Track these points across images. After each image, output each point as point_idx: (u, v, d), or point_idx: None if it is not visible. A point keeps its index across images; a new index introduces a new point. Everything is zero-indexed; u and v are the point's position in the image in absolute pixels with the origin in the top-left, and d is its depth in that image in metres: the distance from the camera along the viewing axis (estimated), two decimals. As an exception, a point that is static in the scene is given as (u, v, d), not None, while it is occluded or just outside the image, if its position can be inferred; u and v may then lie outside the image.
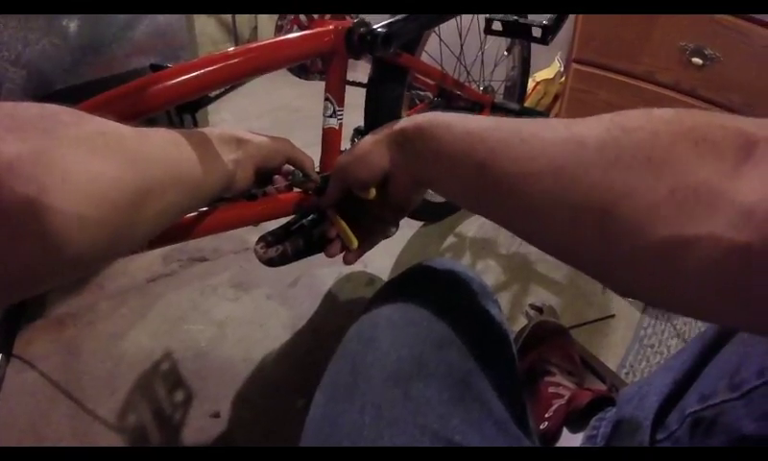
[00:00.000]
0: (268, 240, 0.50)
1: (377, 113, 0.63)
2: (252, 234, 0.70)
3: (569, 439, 0.51)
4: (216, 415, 0.61)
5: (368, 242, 0.47)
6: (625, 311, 0.84)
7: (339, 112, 0.55)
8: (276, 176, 0.49)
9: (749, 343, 0.34)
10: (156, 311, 0.76)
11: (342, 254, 0.47)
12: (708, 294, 0.21)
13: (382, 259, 0.90)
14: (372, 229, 0.46)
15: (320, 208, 0.47)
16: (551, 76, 1.45)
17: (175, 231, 0.42)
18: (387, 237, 0.55)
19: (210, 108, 1.21)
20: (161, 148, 0.29)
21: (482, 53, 0.87)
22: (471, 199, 0.34)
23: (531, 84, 1.42)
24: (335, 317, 0.77)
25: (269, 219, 0.50)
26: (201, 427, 0.60)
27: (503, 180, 0.29)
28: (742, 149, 0.20)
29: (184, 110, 0.53)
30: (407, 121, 0.36)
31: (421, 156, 0.35)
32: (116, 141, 0.24)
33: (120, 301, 0.77)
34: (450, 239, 1.00)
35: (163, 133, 0.30)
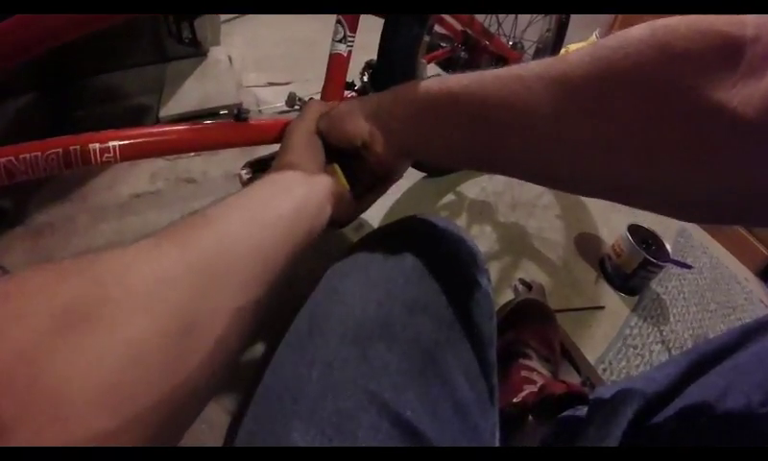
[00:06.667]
0: (254, 167, 0.47)
1: (392, 50, 0.57)
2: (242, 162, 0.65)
3: (533, 428, 0.49)
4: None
5: (365, 199, 0.43)
6: (614, 307, 0.82)
7: (350, 38, 0.49)
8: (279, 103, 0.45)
9: (738, 371, 0.32)
10: (136, 230, 0.72)
11: None
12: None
13: (375, 207, 0.85)
14: (368, 183, 0.42)
15: None
16: (585, 50, 1.37)
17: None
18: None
19: (222, 29, 1.12)
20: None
21: (517, 5, 0.79)
22: (464, 154, 0.32)
23: (563, 52, 1.33)
24: (315, 261, 0.74)
25: (255, 143, 0.46)
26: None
27: (501, 131, 0.28)
28: (729, 57, 0.19)
29: (181, 19, 0.48)
30: (381, 93, 0.35)
31: (404, 121, 0.33)
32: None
33: (100, 215, 0.73)
34: (449, 197, 0.95)
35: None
